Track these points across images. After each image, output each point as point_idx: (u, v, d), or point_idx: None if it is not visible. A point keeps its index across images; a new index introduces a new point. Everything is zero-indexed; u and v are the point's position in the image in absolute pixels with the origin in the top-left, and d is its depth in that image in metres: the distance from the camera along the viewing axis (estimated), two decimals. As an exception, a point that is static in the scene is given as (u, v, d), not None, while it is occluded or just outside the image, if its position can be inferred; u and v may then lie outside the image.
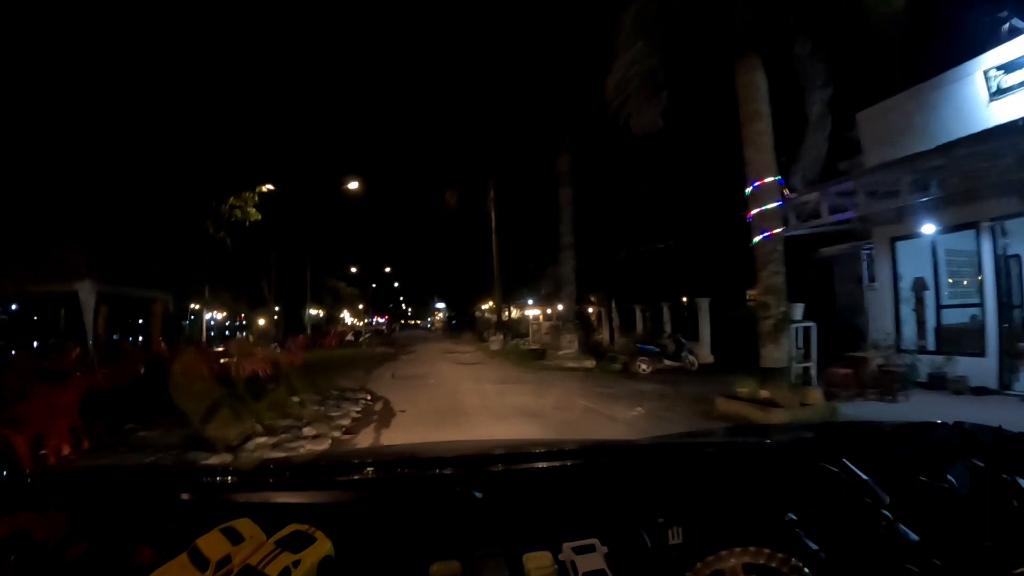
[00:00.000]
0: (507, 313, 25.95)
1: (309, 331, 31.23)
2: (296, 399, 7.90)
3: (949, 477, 0.98)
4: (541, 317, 25.12)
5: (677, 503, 0.94)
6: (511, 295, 29.80)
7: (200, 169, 22.43)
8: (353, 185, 23.57)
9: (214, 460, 4.34)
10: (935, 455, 1.13)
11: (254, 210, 22.80)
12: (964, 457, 1.03)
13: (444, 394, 8.72)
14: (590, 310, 24.40)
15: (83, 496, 1.03)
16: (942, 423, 1.31)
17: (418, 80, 42.02)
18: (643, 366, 12.27)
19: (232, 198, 22.10)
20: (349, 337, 29.08)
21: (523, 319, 29.28)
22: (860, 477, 0.97)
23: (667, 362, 12.59)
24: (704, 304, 14.70)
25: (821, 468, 1.03)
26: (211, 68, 24.82)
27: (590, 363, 13.34)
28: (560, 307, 24.54)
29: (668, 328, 16.40)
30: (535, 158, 17.58)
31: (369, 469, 1.29)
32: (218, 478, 1.18)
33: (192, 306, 26.80)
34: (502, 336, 22.05)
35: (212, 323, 33.98)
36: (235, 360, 12.63)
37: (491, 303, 32.90)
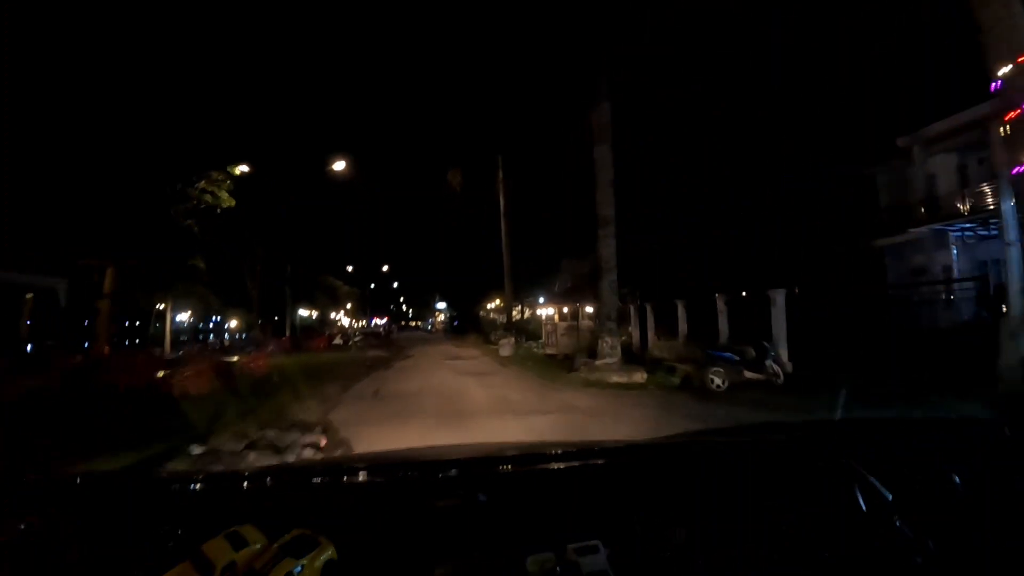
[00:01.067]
0: (518, 313, 22.60)
1: (299, 332, 28.19)
2: (197, 451, 4.67)
3: (952, 476, 0.96)
4: (557, 317, 21.83)
5: (680, 503, 0.94)
6: (520, 293, 26.53)
7: (163, 146, 18.93)
8: (340, 165, 20.32)
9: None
10: (938, 454, 1.09)
11: (227, 195, 19.59)
12: (967, 456, 1.04)
13: (448, 436, 5.44)
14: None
15: (84, 499, 1.01)
16: (943, 421, 1.37)
17: (414, 26, 37.30)
18: (717, 380, 9.04)
19: (204, 182, 18.97)
20: (337, 340, 25.78)
21: (534, 319, 25.98)
22: (862, 476, 0.96)
23: (748, 374, 9.34)
24: (779, 297, 11.48)
25: (823, 467, 1.05)
26: (186, 32, 21.45)
27: (640, 376, 10.06)
28: (581, 305, 21.39)
29: (725, 328, 13.18)
30: (555, 119, 14.35)
31: (371, 472, 1.26)
32: (221, 482, 1.18)
33: (159, 306, 23.75)
34: (513, 338, 18.74)
35: (190, 325, 30.77)
36: (163, 375, 9.56)
37: (498, 301, 29.67)
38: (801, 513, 0.88)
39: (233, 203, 19.11)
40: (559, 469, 1.24)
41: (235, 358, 15.37)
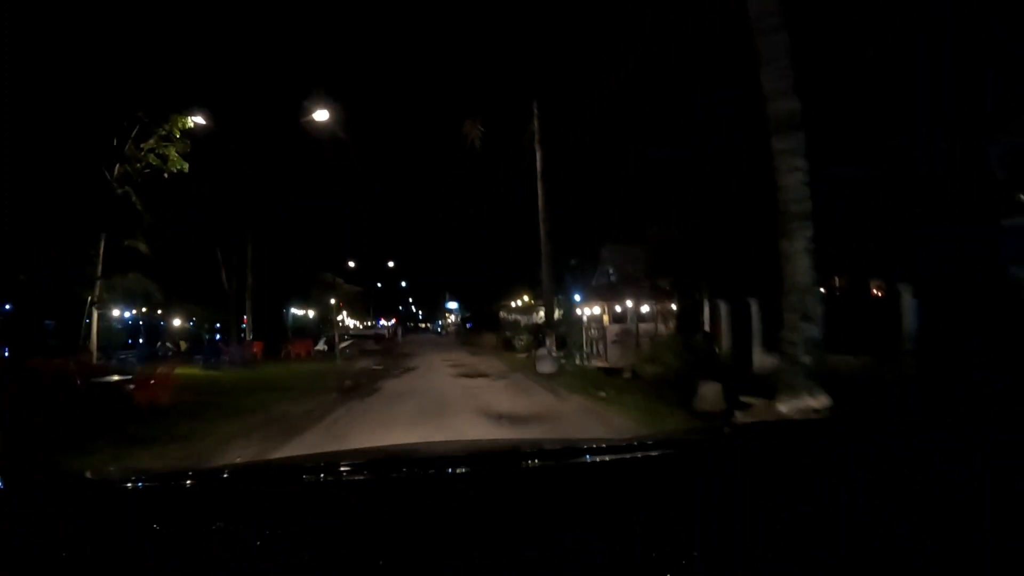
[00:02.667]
0: (557, 310, 17.56)
1: (291, 334, 23.55)
2: None
3: (949, 477, 0.93)
4: (607, 318, 16.79)
5: (677, 501, 0.92)
6: (541, 287, 21.55)
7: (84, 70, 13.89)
8: (324, 114, 15.52)
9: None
10: (935, 454, 1.08)
11: (176, 155, 14.55)
12: (965, 456, 1.02)
13: None
14: (672, 305, 16.17)
15: (82, 499, 0.99)
16: (941, 422, 1.33)
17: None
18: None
19: (154, 139, 14.22)
20: (320, 346, 20.95)
21: (567, 319, 20.94)
22: (860, 476, 0.97)
23: None
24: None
25: (820, 467, 1.06)
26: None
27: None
28: (636, 303, 16.37)
29: (911, 329, 8.11)
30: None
31: (364, 469, 1.26)
32: (215, 480, 1.15)
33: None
34: (553, 346, 13.73)
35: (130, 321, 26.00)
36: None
37: (526, 298, 24.73)
38: (800, 513, 0.86)
39: (186, 166, 14.22)
40: (555, 467, 1.24)
41: (155, 370, 10.52)
